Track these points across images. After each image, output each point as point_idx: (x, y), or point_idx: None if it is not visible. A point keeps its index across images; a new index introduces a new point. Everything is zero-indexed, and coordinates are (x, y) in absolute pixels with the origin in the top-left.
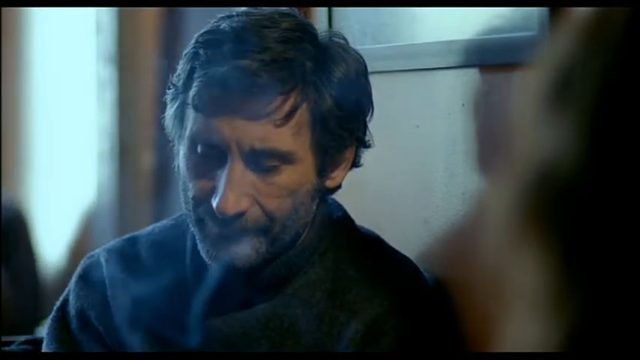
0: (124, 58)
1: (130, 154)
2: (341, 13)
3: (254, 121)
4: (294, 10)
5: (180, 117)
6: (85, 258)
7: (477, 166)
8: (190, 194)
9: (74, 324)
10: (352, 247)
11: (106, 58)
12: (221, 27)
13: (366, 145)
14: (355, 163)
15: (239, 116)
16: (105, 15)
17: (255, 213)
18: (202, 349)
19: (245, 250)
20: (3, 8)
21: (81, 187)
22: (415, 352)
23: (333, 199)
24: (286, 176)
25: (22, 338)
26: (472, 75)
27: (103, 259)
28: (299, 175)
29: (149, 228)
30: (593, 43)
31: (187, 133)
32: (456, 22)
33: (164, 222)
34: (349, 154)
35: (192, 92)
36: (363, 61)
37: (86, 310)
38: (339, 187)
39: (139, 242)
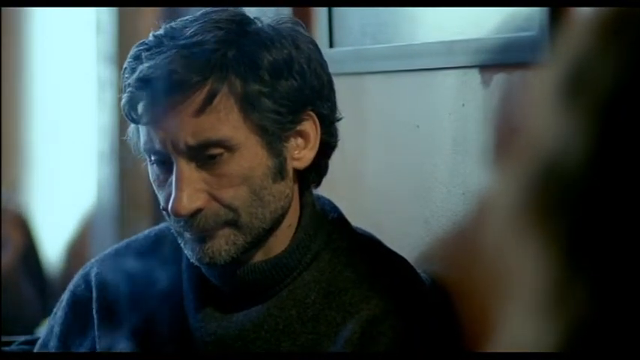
0: (124, 58)
1: (130, 154)
2: (341, 13)
3: (178, 117)
4: (241, 10)
5: (137, 134)
6: (78, 275)
7: (478, 166)
8: (161, 205)
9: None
10: (348, 249)
11: (106, 58)
12: (148, 38)
13: (331, 120)
14: (328, 143)
15: (166, 116)
16: (105, 15)
17: (213, 207)
18: (198, 351)
19: (219, 245)
20: (3, 8)
21: (81, 187)
22: (412, 353)
23: (328, 201)
24: (234, 164)
25: (22, 338)
26: (472, 75)
27: (93, 276)
28: (247, 160)
29: (146, 232)
30: (608, 42)
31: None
32: (456, 22)
33: (161, 225)
34: (308, 130)
35: (122, 103)
36: (307, 42)
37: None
38: (318, 170)
39: (134, 247)
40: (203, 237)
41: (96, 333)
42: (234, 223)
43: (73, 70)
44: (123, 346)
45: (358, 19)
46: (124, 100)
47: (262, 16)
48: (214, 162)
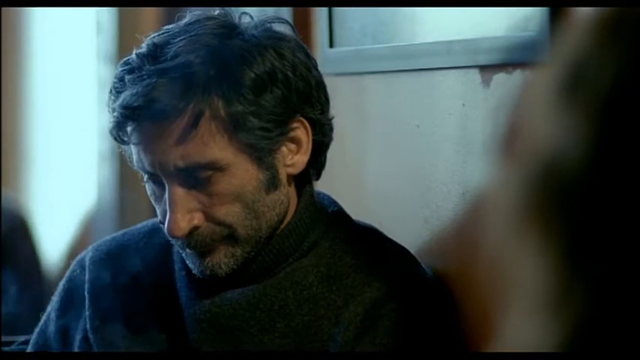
0: (124, 58)
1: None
2: (341, 13)
3: (165, 143)
4: (227, 18)
5: (131, 151)
6: (74, 261)
7: (478, 166)
8: (159, 219)
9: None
10: (349, 238)
11: (106, 58)
12: (131, 56)
13: (323, 122)
14: (322, 142)
15: (153, 141)
16: (105, 15)
17: (208, 225)
18: (191, 330)
19: (219, 258)
20: (3, 8)
21: (81, 187)
22: (412, 350)
23: (327, 196)
24: (225, 183)
25: (22, 338)
26: (472, 75)
27: (87, 259)
28: (237, 177)
29: (144, 222)
30: (608, 42)
31: None
32: (456, 22)
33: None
34: (300, 136)
35: (109, 127)
36: (291, 46)
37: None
38: (316, 166)
39: (130, 233)
40: (202, 253)
41: (87, 313)
42: (231, 237)
43: (73, 70)
44: (113, 327)
45: (358, 19)
46: (111, 125)
47: (248, 15)
48: (205, 182)
